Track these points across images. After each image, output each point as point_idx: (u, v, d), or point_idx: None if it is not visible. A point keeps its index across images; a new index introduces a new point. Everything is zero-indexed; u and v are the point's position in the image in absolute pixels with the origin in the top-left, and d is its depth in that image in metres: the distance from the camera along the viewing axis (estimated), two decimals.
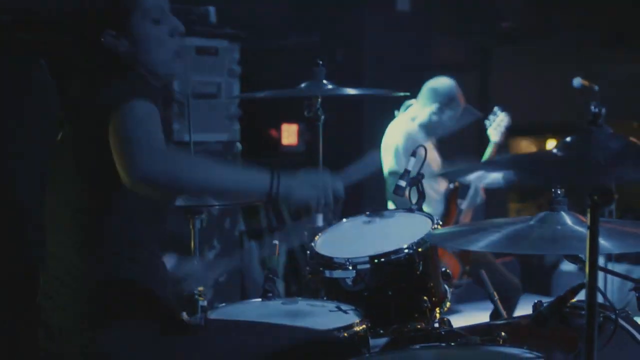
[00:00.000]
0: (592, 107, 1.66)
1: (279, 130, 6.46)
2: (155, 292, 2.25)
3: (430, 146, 4.72)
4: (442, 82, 4.80)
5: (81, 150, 2.16)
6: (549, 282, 5.75)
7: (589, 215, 1.66)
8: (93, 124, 2.08)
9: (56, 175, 2.25)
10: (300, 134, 6.42)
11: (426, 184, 2.93)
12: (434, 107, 4.73)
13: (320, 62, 3.20)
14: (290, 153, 6.45)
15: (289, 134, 6.47)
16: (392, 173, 4.63)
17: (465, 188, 4.82)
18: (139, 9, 2.21)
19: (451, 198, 4.79)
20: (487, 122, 5.07)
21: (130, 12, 2.20)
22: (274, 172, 2.14)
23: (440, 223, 2.79)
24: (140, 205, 2.18)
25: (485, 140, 5.07)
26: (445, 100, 4.74)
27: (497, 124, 5.01)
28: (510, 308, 4.59)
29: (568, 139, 1.77)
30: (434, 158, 4.71)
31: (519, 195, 7.65)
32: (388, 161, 4.70)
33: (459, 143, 5.17)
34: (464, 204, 4.83)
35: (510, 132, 5.18)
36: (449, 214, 4.78)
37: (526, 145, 7.85)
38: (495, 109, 5.08)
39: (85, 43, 2.25)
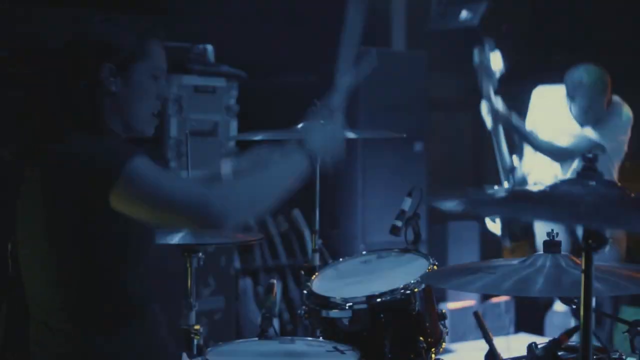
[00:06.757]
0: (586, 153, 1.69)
1: None
2: (155, 351, 2.24)
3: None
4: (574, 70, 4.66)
5: (56, 206, 2.08)
6: (542, 321, 5.74)
7: (583, 258, 1.69)
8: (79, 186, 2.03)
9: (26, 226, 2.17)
10: None
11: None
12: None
13: (317, 102, 3.18)
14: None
15: None
16: None
17: None
18: (146, 60, 2.23)
19: None
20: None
21: (137, 59, 2.21)
22: (298, 146, 2.21)
23: (437, 263, 2.80)
24: (138, 261, 2.18)
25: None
26: (569, 89, 4.66)
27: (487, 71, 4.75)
28: None
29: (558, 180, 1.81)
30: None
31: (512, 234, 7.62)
32: None
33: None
34: None
35: None
36: None
37: None
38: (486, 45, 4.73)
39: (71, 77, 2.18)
